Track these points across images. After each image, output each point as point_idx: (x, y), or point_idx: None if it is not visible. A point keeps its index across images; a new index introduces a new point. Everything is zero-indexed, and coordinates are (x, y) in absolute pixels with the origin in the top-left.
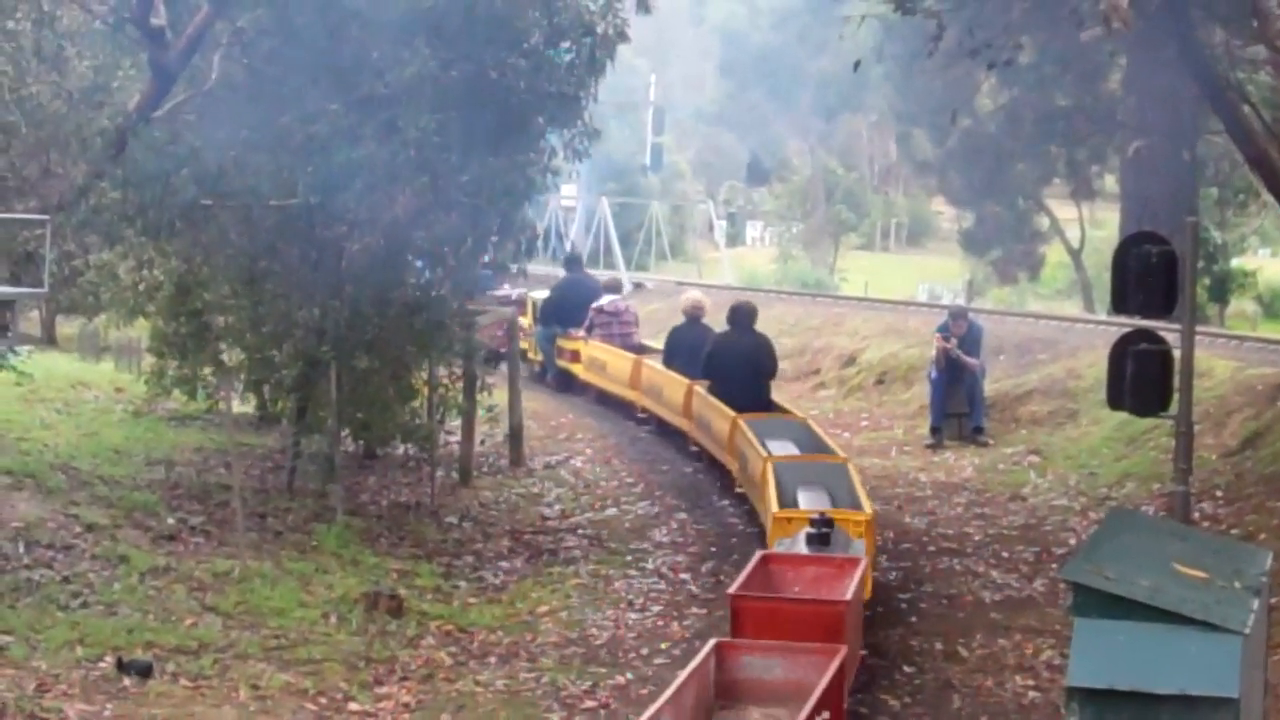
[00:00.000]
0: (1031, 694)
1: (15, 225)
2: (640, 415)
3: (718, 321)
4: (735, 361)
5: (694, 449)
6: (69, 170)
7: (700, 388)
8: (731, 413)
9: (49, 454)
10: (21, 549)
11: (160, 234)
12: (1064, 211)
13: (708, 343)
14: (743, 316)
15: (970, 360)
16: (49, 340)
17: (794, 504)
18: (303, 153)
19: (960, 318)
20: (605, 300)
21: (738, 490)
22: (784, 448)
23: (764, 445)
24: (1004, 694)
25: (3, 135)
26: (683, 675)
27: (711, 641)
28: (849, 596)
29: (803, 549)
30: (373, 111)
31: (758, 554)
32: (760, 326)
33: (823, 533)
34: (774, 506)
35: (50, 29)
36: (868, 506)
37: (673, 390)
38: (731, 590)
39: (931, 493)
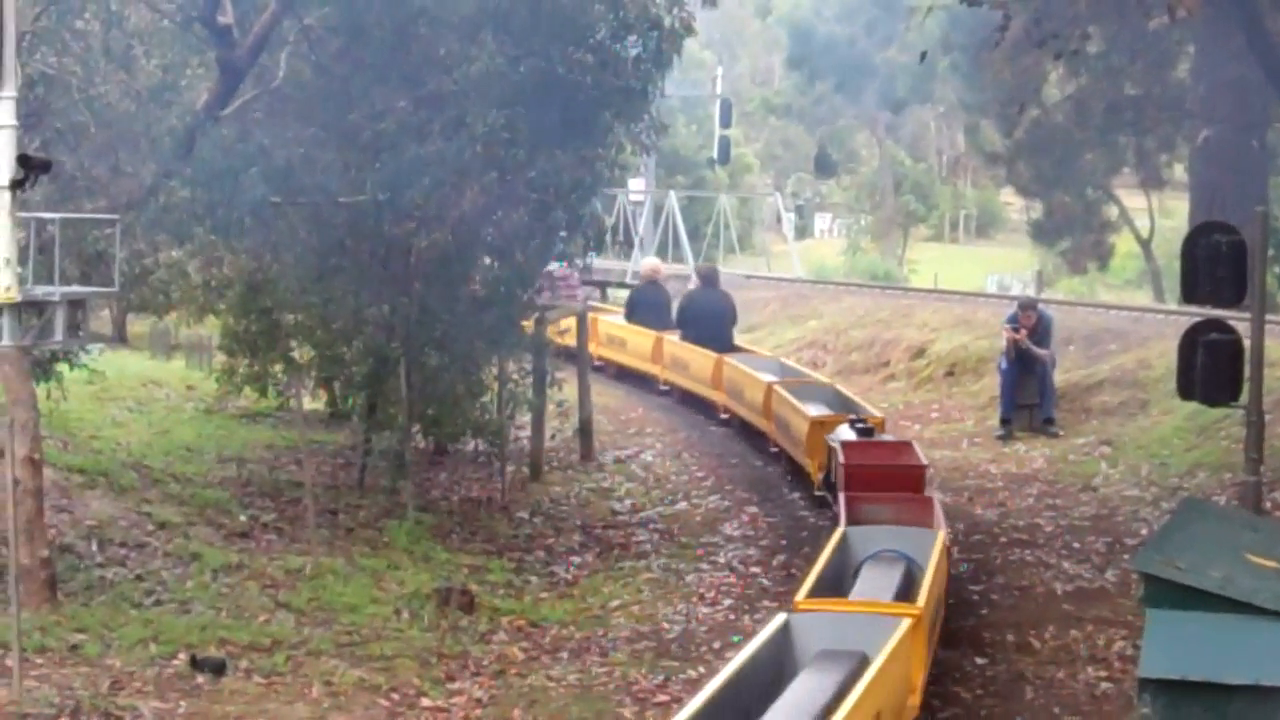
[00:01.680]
0: (1104, 685)
1: (85, 225)
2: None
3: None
4: (706, 313)
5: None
6: (138, 169)
7: (671, 336)
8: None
9: (121, 452)
10: (95, 547)
11: (229, 232)
12: (1133, 201)
13: (671, 300)
14: (711, 276)
15: (1040, 351)
16: (120, 338)
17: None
18: (371, 150)
19: (1030, 309)
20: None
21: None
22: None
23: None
24: (1076, 685)
25: (72, 135)
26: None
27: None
28: (924, 461)
29: (852, 436)
30: (440, 108)
31: (839, 441)
32: (829, 318)
33: (864, 425)
34: (810, 413)
35: (118, 28)
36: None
37: (639, 341)
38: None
39: (1002, 484)
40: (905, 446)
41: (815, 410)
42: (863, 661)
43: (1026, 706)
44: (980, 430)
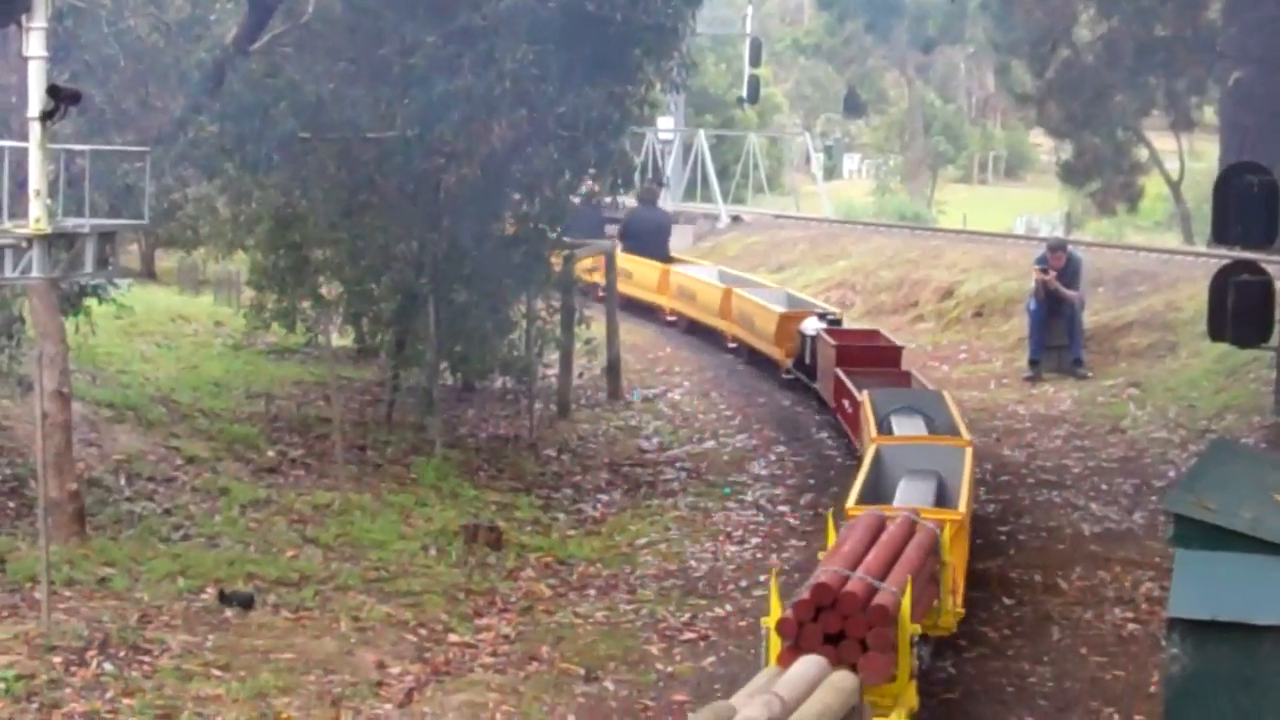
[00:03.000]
0: (1131, 626)
1: (114, 158)
2: None
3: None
4: (647, 228)
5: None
6: (167, 103)
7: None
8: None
9: (149, 387)
10: (123, 481)
11: (259, 167)
12: (1163, 143)
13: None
14: (650, 196)
15: (1069, 292)
16: (148, 274)
17: None
18: (400, 85)
19: (1059, 250)
20: None
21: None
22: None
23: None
24: (1103, 626)
25: (101, 68)
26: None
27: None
28: (899, 343)
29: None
30: (470, 43)
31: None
32: (857, 259)
33: (832, 315)
34: (779, 310)
35: None
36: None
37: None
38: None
39: (1030, 425)
40: (875, 333)
41: (780, 307)
42: None
43: (1053, 647)
44: (1008, 371)
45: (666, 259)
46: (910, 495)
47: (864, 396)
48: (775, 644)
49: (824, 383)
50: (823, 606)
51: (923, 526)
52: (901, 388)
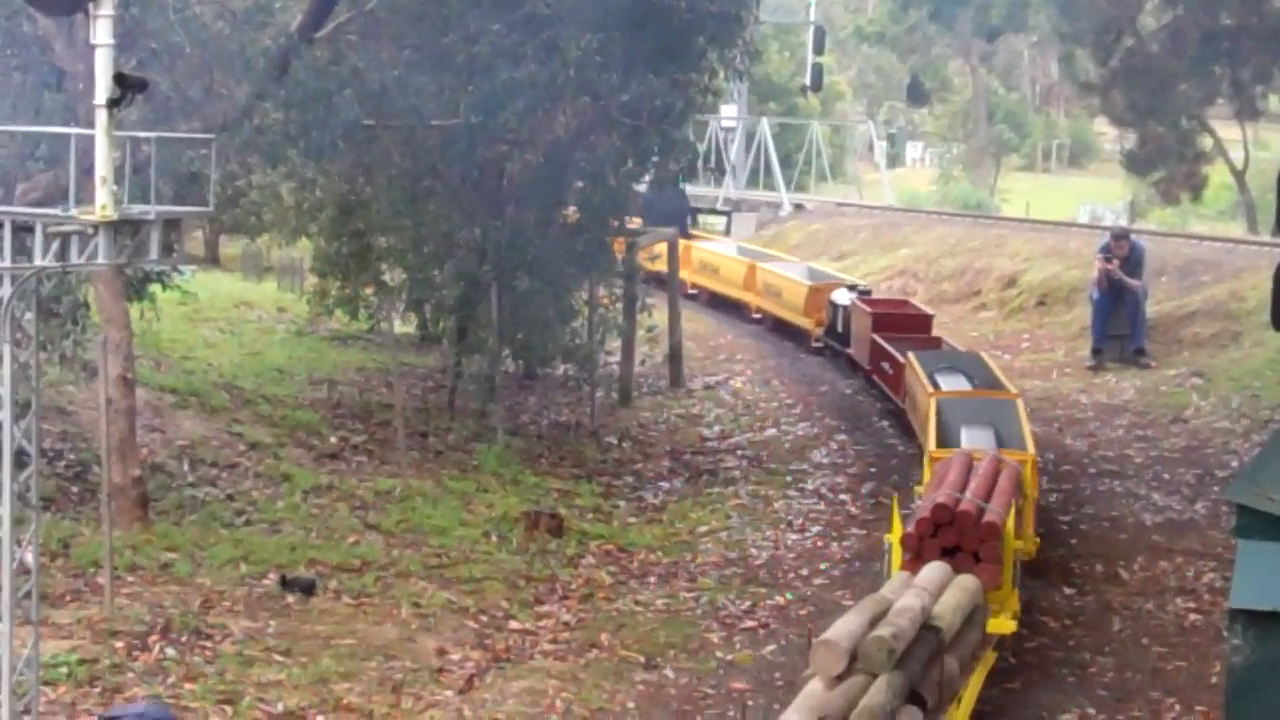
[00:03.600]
0: (1193, 617)
1: (180, 145)
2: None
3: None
4: (667, 209)
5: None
6: (232, 91)
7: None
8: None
9: (213, 372)
10: (186, 467)
11: (323, 154)
12: (1228, 132)
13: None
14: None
15: (1132, 282)
16: (212, 260)
17: None
18: (464, 73)
19: (1122, 239)
20: None
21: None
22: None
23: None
24: (1165, 616)
25: (167, 55)
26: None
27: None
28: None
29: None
30: (534, 31)
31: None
32: (920, 247)
33: (861, 286)
34: (808, 283)
35: None
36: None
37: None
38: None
39: (1092, 414)
40: (906, 302)
41: (808, 280)
42: None
43: (1114, 637)
44: (1071, 360)
45: (686, 236)
46: (974, 441)
47: (910, 358)
48: (898, 556)
49: (858, 348)
50: (941, 524)
51: (1007, 463)
52: (939, 350)
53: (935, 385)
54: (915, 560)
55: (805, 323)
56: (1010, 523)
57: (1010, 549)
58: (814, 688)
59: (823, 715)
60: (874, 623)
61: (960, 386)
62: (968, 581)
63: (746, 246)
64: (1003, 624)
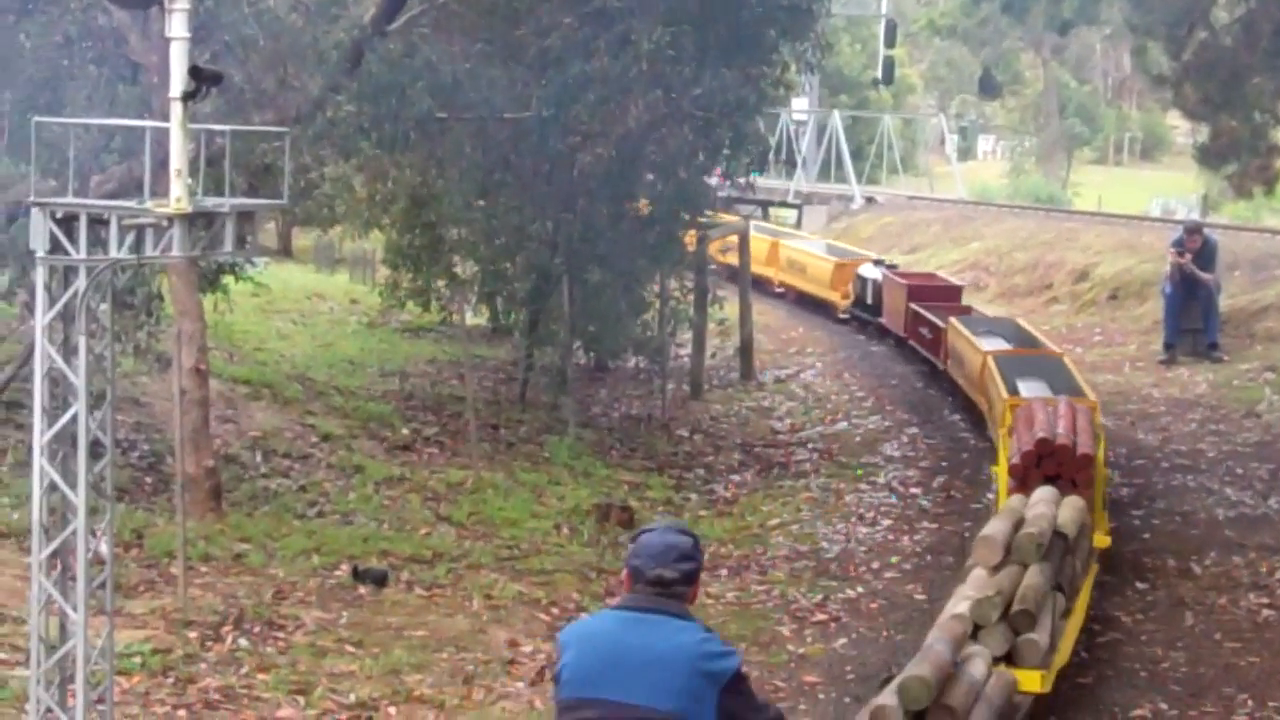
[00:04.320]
0: (1266, 612)
1: (253, 138)
2: None
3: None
4: None
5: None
6: (305, 83)
7: None
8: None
9: (285, 364)
10: (259, 458)
11: (395, 147)
12: None
13: None
14: None
15: (1205, 275)
16: (285, 252)
17: None
18: (537, 66)
19: (1195, 233)
20: None
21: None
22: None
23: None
24: (1238, 612)
25: (241, 48)
26: None
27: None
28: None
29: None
30: (606, 25)
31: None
32: (991, 240)
33: (886, 262)
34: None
35: None
36: None
37: None
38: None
39: (1164, 409)
40: (935, 275)
41: (834, 257)
42: None
43: (1187, 632)
44: (1143, 354)
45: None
46: (1032, 391)
47: (953, 322)
48: (1004, 486)
49: (891, 318)
50: (1043, 455)
51: (1080, 406)
52: (975, 316)
53: (983, 345)
54: (1021, 487)
55: (832, 296)
56: (1101, 451)
57: (1101, 475)
58: (979, 574)
59: (998, 590)
60: (1016, 527)
61: (1003, 346)
62: (1075, 501)
63: (764, 224)
64: (1100, 539)
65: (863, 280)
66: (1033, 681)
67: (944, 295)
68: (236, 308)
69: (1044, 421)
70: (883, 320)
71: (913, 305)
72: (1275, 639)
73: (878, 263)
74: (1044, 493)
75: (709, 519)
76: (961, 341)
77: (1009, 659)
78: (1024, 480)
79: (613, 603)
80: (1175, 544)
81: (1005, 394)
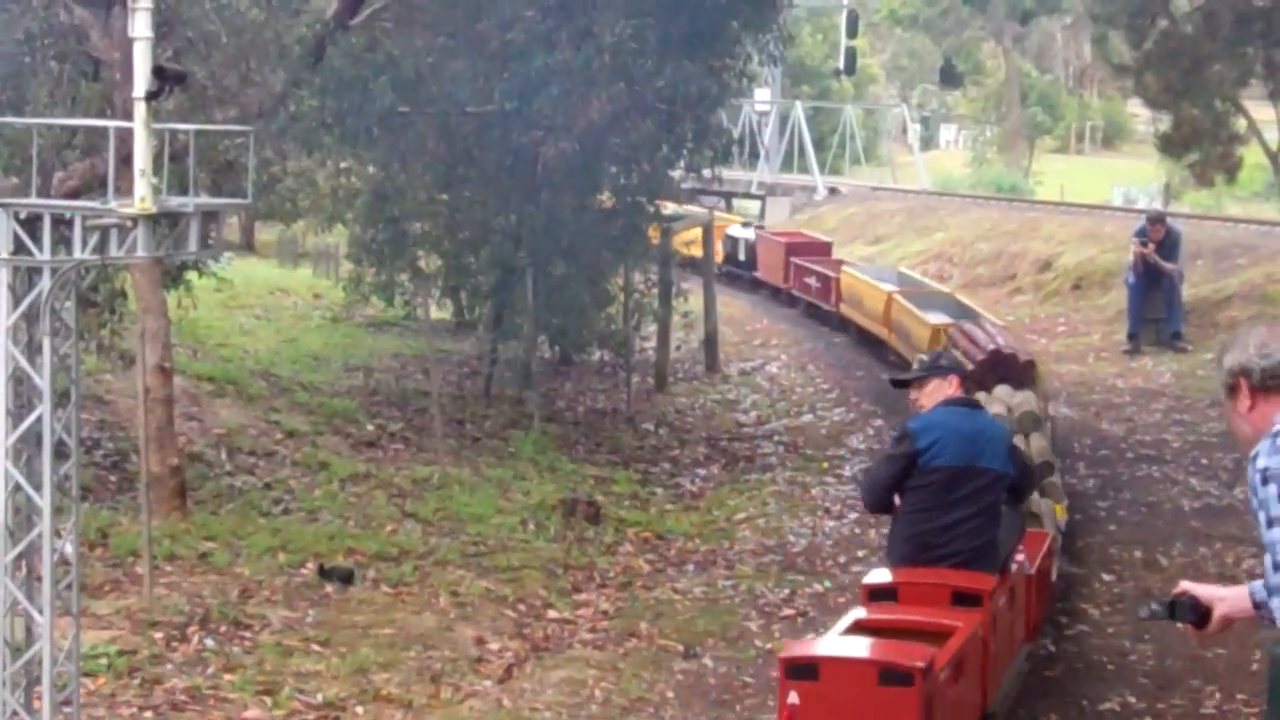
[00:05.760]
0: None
1: (216, 135)
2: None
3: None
4: None
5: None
6: (267, 78)
7: None
8: None
9: (249, 360)
10: (224, 455)
11: (358, 141)
12: (1261, 113)
13: None
14: None
15: (1168, 265)
16: (248, 246)
17: None
18: (499, 59)
19: (1158, 222)
20: None
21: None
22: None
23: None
24: None
25: (203, 44)
26: None
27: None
28: (828, 240)
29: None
30: (568, 17)
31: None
32: (955, 231)
33: (753, 222)
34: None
35: None
36: None
37: None
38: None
39: (1129, 399)
40: (800, 233)
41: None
42: None
43: (1153, 625)
44: (1107, 345)
45: None
46: (943, 319)
47: (846, 270)
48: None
49: (768, 272)
50: (995, 363)
51: (1001, 325)
52: (861, 265)
53: (884, 287)
54: (979, 388)
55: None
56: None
57: (1042, 377)
58: None
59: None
60: (1009, 411)
61: (901, 287)
62: (1029, 394)
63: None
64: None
65: (733, 240)
66: (1061, 511)
67: (818, 250)
68: (200, 303)
69: (984, 337)
70: (758, 274)
71: (793, 259)
72: (1242, 630)
73: (745, 224)
74: (1003, 390)
75: (675, 513)
76: (860, 285)
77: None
78: (981, 383)
79: (942, 400)
80: (1142, 535)
81: (931, 321)
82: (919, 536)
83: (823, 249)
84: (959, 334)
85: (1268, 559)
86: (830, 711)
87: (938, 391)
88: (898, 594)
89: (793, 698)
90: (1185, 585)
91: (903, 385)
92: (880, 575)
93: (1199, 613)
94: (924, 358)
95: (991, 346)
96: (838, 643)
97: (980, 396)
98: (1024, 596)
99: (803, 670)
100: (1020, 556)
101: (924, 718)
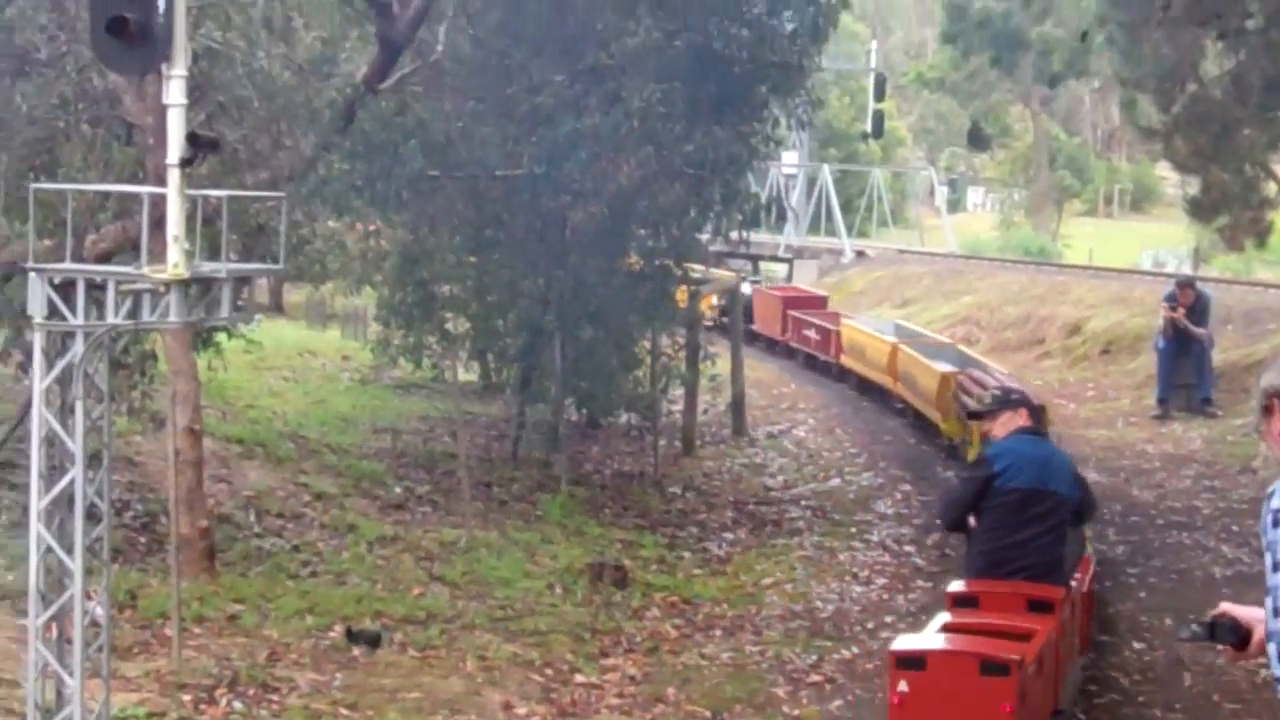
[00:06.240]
0: (1264, 672)
1: (248, 199)
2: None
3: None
4: None
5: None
6: (298, 142)
7: None
8: None
9: (278, 422)
10: (252, 517)
11: (388, 204)
12: None
13: None
14: None
15: (1198, 330)
16: (276, 308)
17: None
18: (528, 123)
19: (1187, 287)
20: None
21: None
22: None
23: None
24: (1236, 672)
25: (235, 108)
26: None
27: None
28: (823, 293)
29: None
30: (597, 82)
31: (754, 289)
32: (982, 294)
33: (756, 279)
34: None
35: (279, 1)
36: None
37: None
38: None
39: (1159, 465)
40: (796, 287)
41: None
42: None
43: (1185, 694)
44: (1136, 410)
45: None
46: (943, 367)
47: (847, 323)
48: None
49: (765, 325)
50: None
51: (1009, 373)
52: (860, 318)
53: (888, 338)
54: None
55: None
56: None
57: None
58: None
59: None
60: None
61: (904, 338)
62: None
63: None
64: None
65: (743, 296)
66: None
67: (815, 304)
68: (229, 365)
69: (995, 382)
70: (755, 327)
71: (791, 313)
72: (1275, 699)
73: (743, 279)
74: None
75: (702, 578)
76: (862, 337)
77: None
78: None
79: (1014, 430)
80: (1172, 603)
81: (939, 369)
82: (994, 552)
83: (819, 302)
84: (969, 380)
85: (1268, 602)
86: (936, 698)
87: (1009, 422)
88: (979, 601)
89: (902, 686)
90: (1225, 607)
91: (977, 417)
92: (960, 586)
93: (1239, 634)
94: (996, 392)
95: (1005, 386)
96: (941, 638)
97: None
98: (1082, 610)
99: (912, 662)
100: (1077, 574)
101: (1019, 705)
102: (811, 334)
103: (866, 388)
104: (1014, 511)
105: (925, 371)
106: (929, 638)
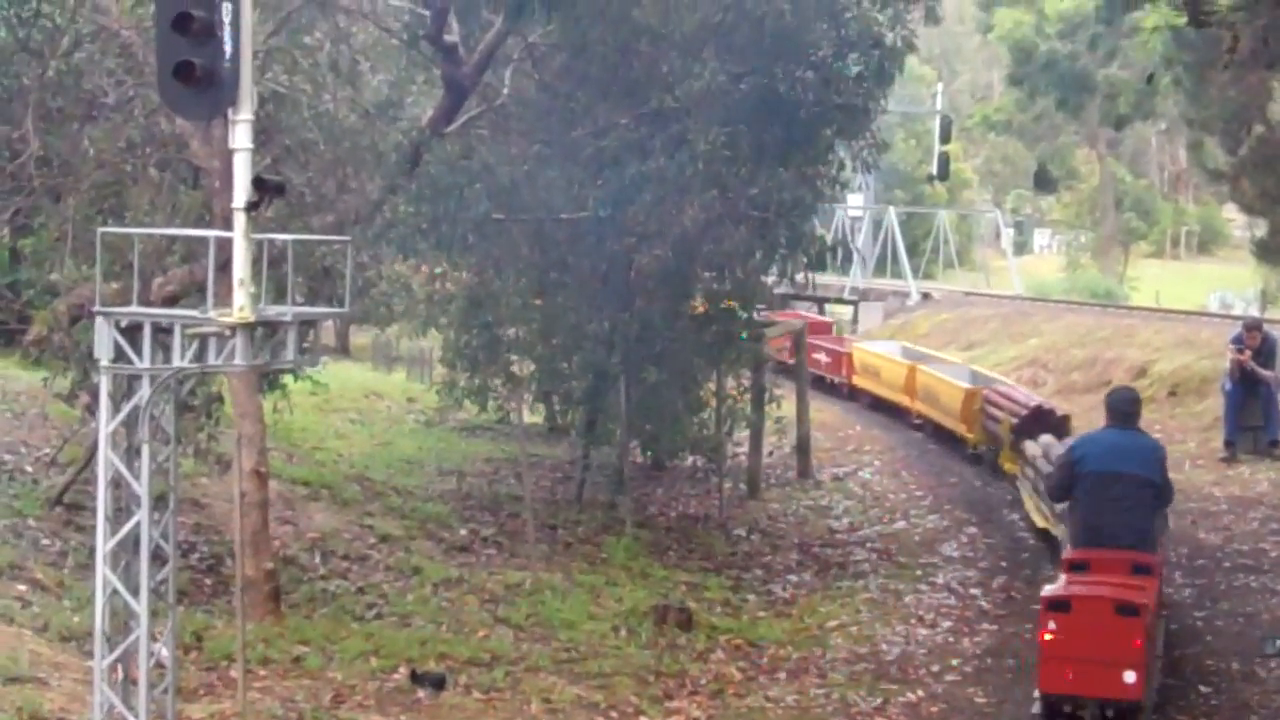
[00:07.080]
0: None
1: (314, 242)
2: None
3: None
4: None
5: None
6: (364, 185)
7: None
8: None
9: (343, 464)
10: (318, 559)
11: (453, 247)
12: None
13: None
14: None
15: (1265, 373)
16: (343, 350)
17: None
18: (593, 166)
19: (1255, 329)
20: None
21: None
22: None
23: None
24: None
25: (301, 151)
26: None
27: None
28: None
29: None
30: (663, 125)
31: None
32: (1049, 336)
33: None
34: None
35: (346, 45)
36: None
37: None
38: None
39: (1226, 507)
40: (799, 313)
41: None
42: None
43: None
44: (1203, 452)
45: None
46: (958, 380)
47: (856, 346)
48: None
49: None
50: (1037, 417)
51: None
52: (865, 341)
53: (903, 360)
54: (1022, 438)
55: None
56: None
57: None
58: None
59: None
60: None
61: (916, 359)
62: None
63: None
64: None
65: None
66: None
67: (824, 329)
68: (295, 406)
69: (1023, 396)
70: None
71: (812, 339)
72: None
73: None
74: (1047, 438)
75: (767, 620)
76: (873, 359)
77: None
78: (1026, 433)
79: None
80: (1239, 646)
81: (962, 387)
82: (1086, 525)
83: (825, 328)
84: (997, 395)
85: None
86: (1078, 634)
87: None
88: (1089, 566)
89: (1051, 625)
90: None
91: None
92: (1071, 554)
93: None
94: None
95: (1034, 404)
96: (1083, 586)
97: (1044, 439)
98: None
99: (1059, 605)
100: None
101: (1146, 641)
102: (822, 357)
103: (879, 405)
104: (1095, 490)
105: (948, 388)
106: (1074, 586)
